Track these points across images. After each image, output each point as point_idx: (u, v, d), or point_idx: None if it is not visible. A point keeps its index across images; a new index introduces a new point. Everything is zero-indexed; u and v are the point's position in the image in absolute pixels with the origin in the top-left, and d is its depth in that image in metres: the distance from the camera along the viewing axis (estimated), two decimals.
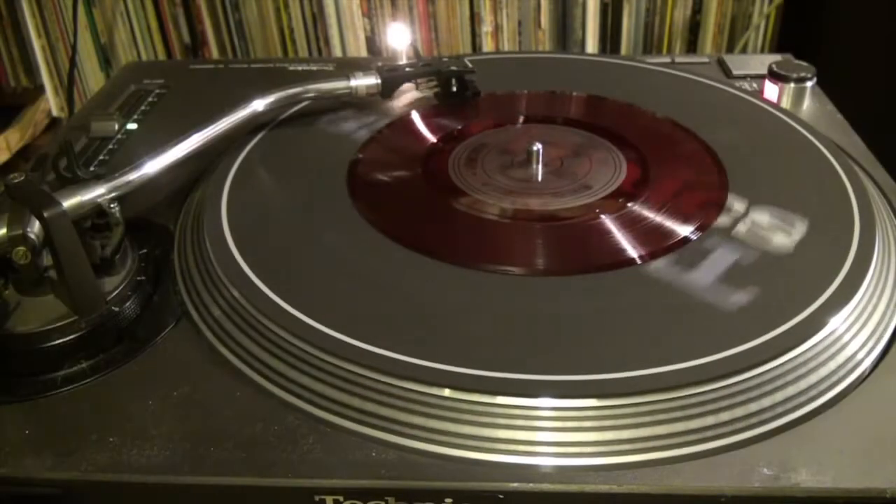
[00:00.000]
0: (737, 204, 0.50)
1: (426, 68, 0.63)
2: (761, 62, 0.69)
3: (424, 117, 0.62)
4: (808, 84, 0.65)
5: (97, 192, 0.45)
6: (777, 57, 0.70)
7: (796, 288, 0.43)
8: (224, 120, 0.53)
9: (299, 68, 0.74)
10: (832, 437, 0.36)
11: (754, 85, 0.68)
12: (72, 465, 0.36)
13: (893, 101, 0.83)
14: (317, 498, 0.36)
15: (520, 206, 0.51)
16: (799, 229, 0.47)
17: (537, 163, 0.55)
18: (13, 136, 1.00)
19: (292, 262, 0.46)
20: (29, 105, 1.06)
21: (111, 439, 0.37)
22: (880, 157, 0.58)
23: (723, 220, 0.48)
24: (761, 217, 0.49)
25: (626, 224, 0.49)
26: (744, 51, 1.08)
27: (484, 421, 0.37)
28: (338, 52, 1.12)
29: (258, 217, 0.50)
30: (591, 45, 1.10)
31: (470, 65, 0.63)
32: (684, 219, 0.49)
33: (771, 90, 0.65)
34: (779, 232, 0.47)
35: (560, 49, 1.10)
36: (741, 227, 0.48)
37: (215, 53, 1.13)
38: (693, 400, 0.37)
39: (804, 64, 0.66)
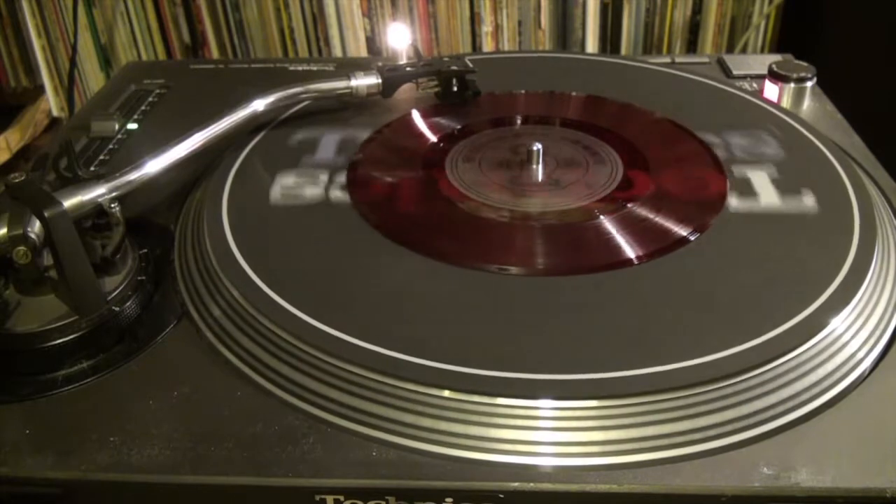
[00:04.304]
0: (736, 204, 0.50)
1: (427, 68, 0.63)
2: (761, 62, 0.69)
3: (424, 117, 0.62)
4: (808, 84, 0.65)
5: (98, 192, 0.45)
6: (777, 57, 0.70)
7: (796, 288, 0.43)
8: (224, 120, 0.53)
9: (299, 68, 0.74)
10: (832, 437, 0.36)
11: (754, 85, 0.69)
12: (72, 464, 0.36)
13: (893, 101, 0.83)
14: (317, 497, 0.36)
15: (519, 206, 0.51)
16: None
17: (537, 163, 0.55)
18: (13, 136, 1.00)
19: (292, 262, 0.46)
20: (29, 105, 1.06)
21: (112, 439, 0.37)
22: (880, 157, 0.58)
23: (722, 220, 0.49)
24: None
25: (626, 224, 0.49)
26: (744, 51, 1.08)
27: (484, 421, 0.37)
28: (338, 53, 1.12)
29: (258, 217, 0.50)
30: (591, 45, 1.10)
31: (471, 64, 0.63)
32: (683, 219, 0.49)
33: (771, 90, 0.65)
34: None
35: (560, 49, 1.10)
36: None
37: (215, 53, 1.13)
38: (693, 400, 0.37)
39: (804, 64, 0.66)
